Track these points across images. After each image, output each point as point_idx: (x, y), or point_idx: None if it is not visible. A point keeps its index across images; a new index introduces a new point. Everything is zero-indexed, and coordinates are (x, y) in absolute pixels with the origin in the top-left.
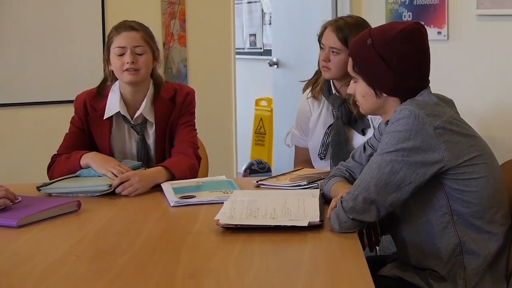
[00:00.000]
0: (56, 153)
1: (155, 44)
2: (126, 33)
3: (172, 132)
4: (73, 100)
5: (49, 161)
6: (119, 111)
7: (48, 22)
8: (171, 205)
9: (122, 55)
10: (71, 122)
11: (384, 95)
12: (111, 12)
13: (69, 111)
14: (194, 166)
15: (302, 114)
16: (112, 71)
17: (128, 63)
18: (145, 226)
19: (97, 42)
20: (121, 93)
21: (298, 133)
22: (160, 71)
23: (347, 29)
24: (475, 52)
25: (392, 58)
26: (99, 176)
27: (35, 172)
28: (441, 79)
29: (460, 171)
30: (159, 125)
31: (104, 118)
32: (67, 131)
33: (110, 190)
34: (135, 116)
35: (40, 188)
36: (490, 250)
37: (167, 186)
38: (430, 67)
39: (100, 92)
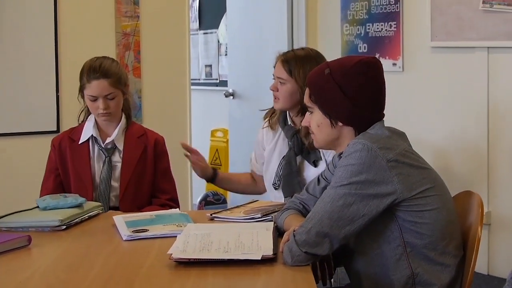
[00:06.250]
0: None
1: (124, 82)
2: (96, 83)
3: (150, 174)
4: (26, 132)
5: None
6: (92, 135)
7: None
8: (124, 239)
9: (94, 100)
10: (46, 168)
11: (340, 124)
12: (65, 43)
13: (24, 143)
14: None
15: (256, 143)
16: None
17: (101, 108)
18: (97, 261)
19: (51, 75)
20: (96, 121)
21: (254, 161)
22: None
23: (293, 61)
24: (430, 83)
25: (349, 87)
26: (53, 207)
27: None
28: (396, 110)
29: (413, 203)
30: (126, 153)
31: (79, 143)
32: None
33: (62, 226)
34: (106, 142)
35: None
36: (443, 282)
37: (119, 220)
38: (386, 98)
39: (83, 120)
